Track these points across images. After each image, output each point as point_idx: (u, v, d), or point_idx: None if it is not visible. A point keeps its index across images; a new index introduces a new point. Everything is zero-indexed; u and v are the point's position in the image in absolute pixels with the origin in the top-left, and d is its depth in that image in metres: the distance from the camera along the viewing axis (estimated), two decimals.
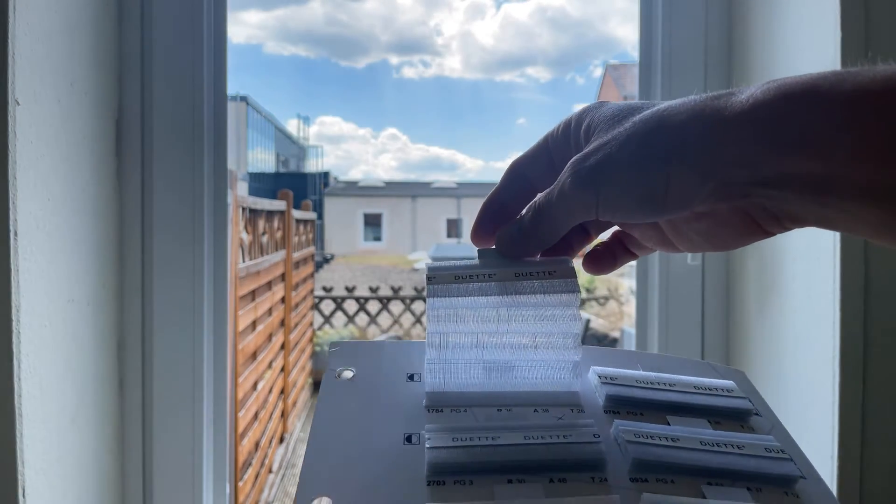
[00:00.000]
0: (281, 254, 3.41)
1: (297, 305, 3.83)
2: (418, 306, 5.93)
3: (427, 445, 0.28)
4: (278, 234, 3.36)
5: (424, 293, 0.32)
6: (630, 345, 0.98)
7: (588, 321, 3.59)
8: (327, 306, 5.78)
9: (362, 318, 5.84)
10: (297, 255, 3.83)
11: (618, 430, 0.30)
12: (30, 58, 0.63)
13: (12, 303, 0.61)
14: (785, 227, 0.30)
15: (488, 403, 0.32)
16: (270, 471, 3.09)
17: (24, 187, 0.62)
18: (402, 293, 5.88)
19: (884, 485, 0.68)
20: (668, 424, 0.31)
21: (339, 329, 5.94)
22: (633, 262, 0.97)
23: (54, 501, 0.69)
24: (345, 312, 5.68)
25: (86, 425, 0.75)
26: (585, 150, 0.31)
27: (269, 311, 3.12)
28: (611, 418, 0.31)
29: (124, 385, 0.84)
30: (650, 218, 0.30)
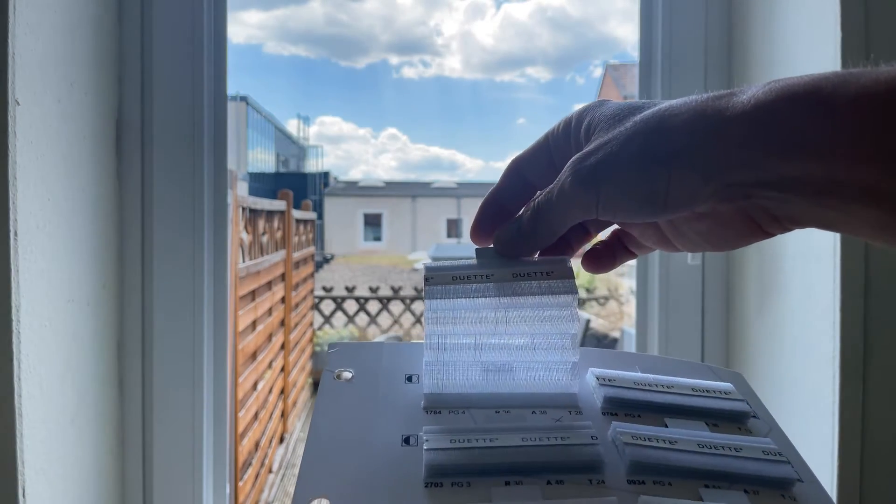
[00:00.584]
0: (281, 254, 3.41)
1: (297, 305, 3.83)
2: (418, 306, 5.93)
3: (425, 447, 0.29)
4: (278, 234, 3.37)
5: (423, 294, 0.32)
6: (630, 345, 0.98)
7: (588, 321, 3.58)
8: (327, 306, 5.78)
9: (362, 318, 5.84)
10: (297, 255, 3.83)
11: (615, 432, 0.30)
12: (30, 58, 0.63)
13: (12, 303, 0.61)
14: (785, 228, 0.29)
15: (486, 405, 0.32)
16: (270, 471, 3.09)
17: (24, 187, 0.62)
18: (402, 293, 5.88)
19: (884, 485, 0.68)
20: (666, 426, 0.31)
21: (339, 329, 5.94)
22: (633, 262, 0.97)
23: (54, 501, 0.69)
24: (345, 312, 5.68)
25: (86, 425, 0.75)
26: (586, 150, 0.31)
27: (269, 311, 3.12)
28: (609, 420, 0.31)
29: (124, 385, 0.84)
30: (651, 218, 0.30)
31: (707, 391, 0.34)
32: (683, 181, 0.28)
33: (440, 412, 0.31)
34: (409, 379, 0.34)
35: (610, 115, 0.31)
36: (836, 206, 0.26)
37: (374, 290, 5.89)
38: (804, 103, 0.26)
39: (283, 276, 3.47)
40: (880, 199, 0.25)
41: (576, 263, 0.36)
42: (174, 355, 0.85)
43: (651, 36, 0.90)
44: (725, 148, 0.27)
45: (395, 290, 5.88)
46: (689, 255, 0.87)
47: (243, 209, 2.57)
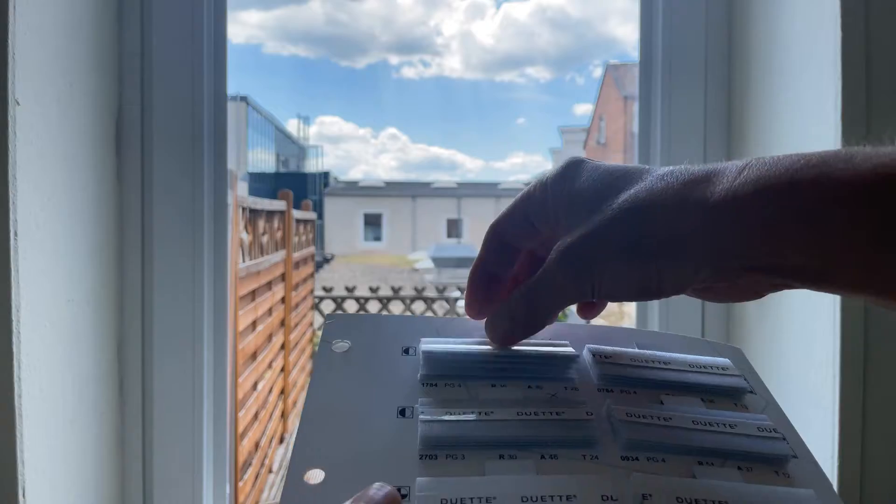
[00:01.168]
0: (281, 254, 3.41)
1: (297, 305, 3.82)
2: (418, 307, 5.92)
3: (420, 419, 0.29)
4: (278, 234, 3.36)
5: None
6: None
7: (588, 321, 3.58)
8: (327, 306, 5.78)
9: None
10: (297, 255, 3.83)
11: (610, 408, 0.30)
12: (30, 58, 0.63)
13: (12, 303, 0.61)
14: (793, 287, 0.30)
15: (482, 378, 0.32)
16: (270, 471, 3.09)
17: (24, 187, 0.62)
18: (402, 293, 5.88)
19: (885, 485, 0.68)
20: (661, 403, 0.31)
21: None
22: None
23: (54, 501, 0.69)
24: (345, 312, 5.67)
25: (86, 425, 0.75)
26: (574, 236, 0.31)
27: (270, 312, 3.12)
28: (604, 397, 0.32)
29: (124, 385, 0.84)
30: (646, 300, 0.31)
31: (704, 367, 0.34)
32: (675, 272, 0.29)
33: (436, 385, 0.31)
34: (406, 351, 0.34)
35: (592, 191, 0.31)
36: (828, 289, 0.27)
37: (374, 290, 5.89)
38: (783, 197, 0.26)
39: (283, 277, 3.47)
40: (869, 288, 0.25)
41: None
42: (174, 355, 0.85)
43: (651, 36, 0.90)
44: (712, 239, 0.27)
45: (396, 290, 5.88)
46: None
47: (243, 209, 2.57)
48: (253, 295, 2.74)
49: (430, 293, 6.35)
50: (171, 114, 0.83)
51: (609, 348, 0.35)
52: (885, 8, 0.67)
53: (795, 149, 0.77)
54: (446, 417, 0.29)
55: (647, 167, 0.31)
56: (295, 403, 3.84)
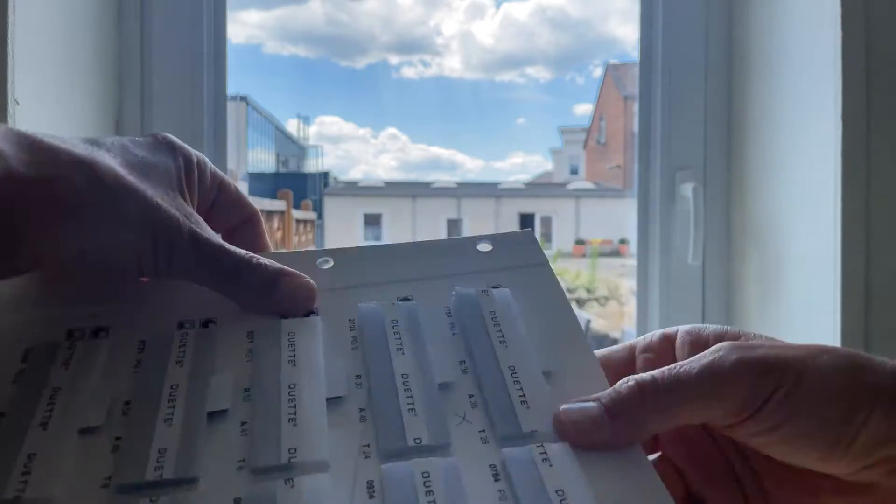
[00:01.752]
0: None
1: None
2: None
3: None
4: (278, 234, 3.37)
5: None
6: None
7: (588, 321, 3.58)
8: None
9: None
10: None
11: None
12: (30, 58, 0.63)
13: None
14: None
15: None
16: None
17: None
18: None
19: None
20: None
21: None
22: (634, 262, 0.97)
23: None
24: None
25: None
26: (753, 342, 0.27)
27: None
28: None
29: None
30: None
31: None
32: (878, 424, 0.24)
33: None
34: None
35: None
36: None
37: None
38: None
39: None
40: None
41: None
42: None
43: (651, 36, 0.90)
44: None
45: None
46: (690, 255, 0.87)
47: None
48: None
49: None
50: (171, 114, 0.83)
51: None
52: (885, 8, 0.67)
53: (795, 149, 0.77)
54: None
55: None
56: None
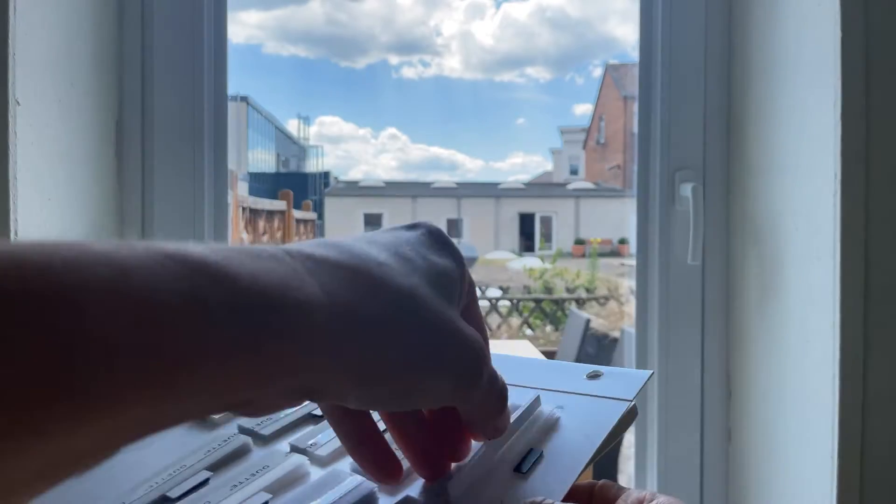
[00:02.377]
0: None
1: None
2: None
3: None
4: (278, 234, 3.37)
5: None
6: (630, 345, 0.98)
7: (588, 321, 3.58)
8: None
9: None
10: None
11: None
12: (30, 58, 0.63)
13: None
14: None
15: None
16: None
17: (24, 187, 0.62)
18: None
19: (885, 485, 0.68)
20: None
21: None
22: (633, 262, 0.97)
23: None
24: None
25: None
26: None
27: None
28: None
29: None
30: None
31: None
32: None
33: None
34: None
35: None
36: None
37: None
38: None
39: None
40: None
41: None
42: None
43: (651, 36, 0.90)
44: None
45: None
46: (690, 255, 0.87)
47: (244, 209, 2.57)
48: None
49: None
50: (171, 114, 0.84)
51: None
52: (885, 8, 0.67)
53: (795, 149, 0.77)
54: None
55: None
56: None
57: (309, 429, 0.35)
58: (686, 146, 0.89)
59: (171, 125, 0.83)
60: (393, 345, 0.25)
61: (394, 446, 0.30)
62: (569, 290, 7.00)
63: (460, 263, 0.30)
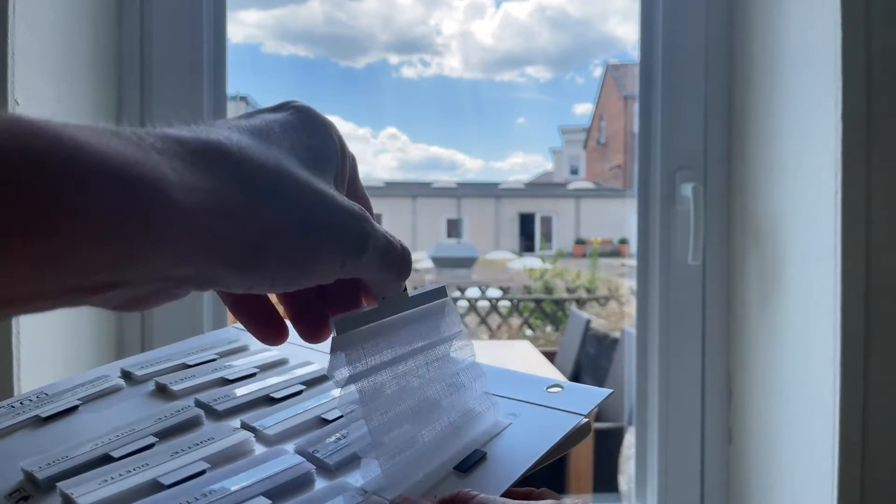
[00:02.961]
0: None
1: None
2: None
3: None
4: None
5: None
6: (631, 345, 0.98)
7: (588, 321, 3.58)
8: None
9: None
10: None
11: None
12: (30, 58, 0.63)
13: None
14: None
15: None
16: None
17: None
18: None
19: (885, 485, 0.68)
20: None
21: None
22: (634, 263, 0.97)
23: None
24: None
25: None
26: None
27: None
28: None
29: None
30: None
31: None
32: None
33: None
34: None
35: None
36: None
37: None
38: None
39: None
40: None
41: None
42: None
43: (651, 36, 0.90)
44: None
45: None
46: (690, 254, 0.87)
47: None
48: None
49: None
50: (172, 113, 0.83)
51: None
52: (885, 8, 0.66)
53: (795, 149, 0.77)
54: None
55: None
56: None
57: (264, 409, 0.36)
58: (686, 146, 0.89)
59: (170, 125, 0.83)
60: (260, 225, 0.24)
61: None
62: (569, 291, 6.99)
63: (334, 139, 0.29)
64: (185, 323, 0.84)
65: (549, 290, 7.01)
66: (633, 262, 0.94)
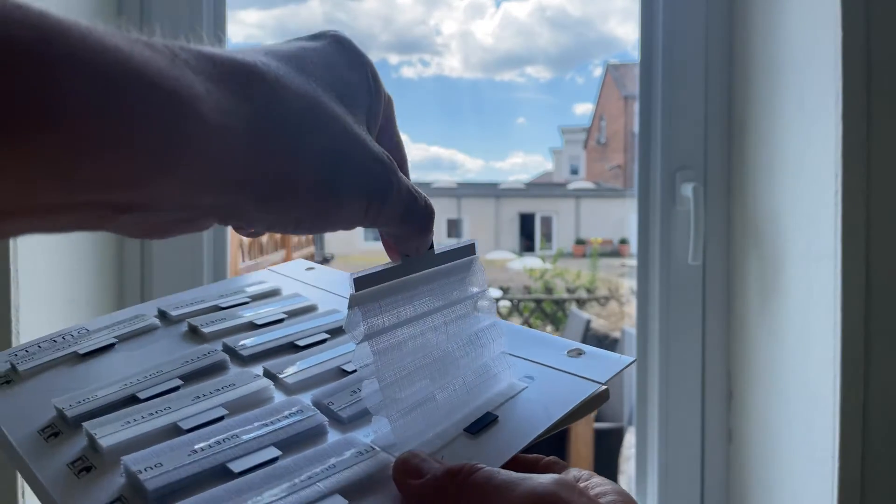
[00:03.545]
0: (280, 254, 3.41)
1: None
2: None
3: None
4: (278, 235, 3.36)
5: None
6: (631, 345, 0.98)
7: (588, 321, 3.58)
8: None
9: None
10: (296, 255, 3.83)
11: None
12: None
13: (12, 303, 0.61)
14: None
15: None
16: None
17: None
18: None
19: (885, 485, 0.68)
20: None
21: None
22: (634, 263, 0.97)
23: None
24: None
25: None
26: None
27: None
28: None
29: None
30: None
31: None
32: None
33: None
34: None
35: None
36: None
37: None
38: None
39: None
40: None
41: None
42: None
43: (651, 35, 0.90)
44: None
45: None
46: (690, 254, 0.87)
47: None
48: None
49: None
50: None
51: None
52: (885, 8, 0.66)
53: (795, 149, 0.77)
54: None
55: None
56: None
57: (288, 356, 0.36)
58: (687, 146, 0.89)
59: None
60: (290, 158, 0.23)
61: None
62: (569, 291, 7.00)
63: (371, 77, 0.28)
64: (185, 273, 0.84)
65: (549, 290, 7.01)
66: (634, 262, 0.94)
